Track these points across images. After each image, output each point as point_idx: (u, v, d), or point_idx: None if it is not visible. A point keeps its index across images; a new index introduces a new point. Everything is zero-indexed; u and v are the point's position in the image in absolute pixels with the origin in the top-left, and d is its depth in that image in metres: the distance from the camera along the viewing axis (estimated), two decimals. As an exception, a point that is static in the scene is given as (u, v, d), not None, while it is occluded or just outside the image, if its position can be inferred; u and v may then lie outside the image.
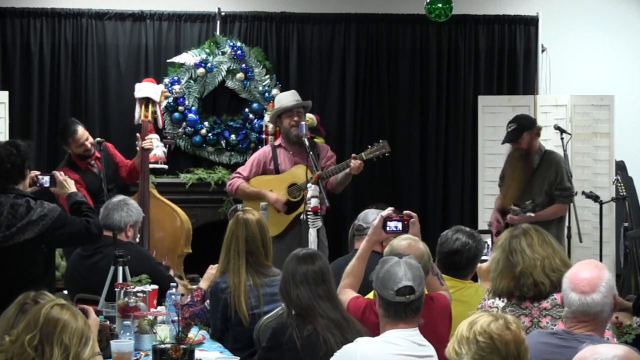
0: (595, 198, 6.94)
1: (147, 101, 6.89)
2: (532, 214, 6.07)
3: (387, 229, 4.22)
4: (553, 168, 6.38)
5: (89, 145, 6.49)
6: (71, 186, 4.91)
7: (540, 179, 6.36)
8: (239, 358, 3.96)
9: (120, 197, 5.27)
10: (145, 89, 6.94)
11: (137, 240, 5.42)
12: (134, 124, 7.38)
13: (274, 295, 4.39)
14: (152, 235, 6.61)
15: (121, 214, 5.12)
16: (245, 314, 4.36)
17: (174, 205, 6.87)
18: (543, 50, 8.23)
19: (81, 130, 6.49)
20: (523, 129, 6.31)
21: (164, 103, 7.78)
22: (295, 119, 6.43)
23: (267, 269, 4.56)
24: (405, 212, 4.26)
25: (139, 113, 6.88)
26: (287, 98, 6.59)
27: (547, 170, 6.37)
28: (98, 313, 3.98)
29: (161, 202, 6.81)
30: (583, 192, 6.94)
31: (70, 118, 6.92)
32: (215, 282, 4.50)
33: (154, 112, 6.92)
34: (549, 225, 6.30)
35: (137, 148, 6.71)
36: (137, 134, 6.75)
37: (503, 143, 6.38)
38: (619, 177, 7.61)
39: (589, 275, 3.17)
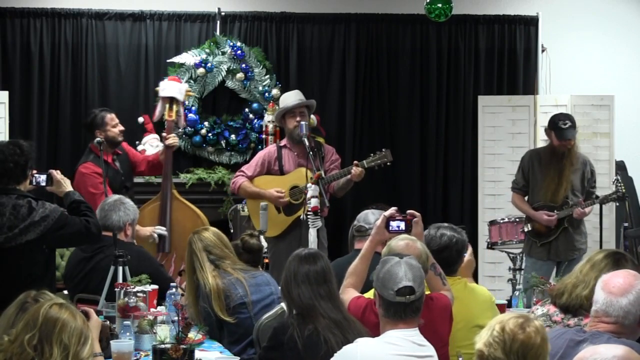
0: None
1: (171, 100, 6.82)
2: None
3: (390, 228, 4.22)
4: (588, 167, 6.52)
5: (122, 127, 6.45)
6: (68, 185, 4.89)
7: (578, 176, 6.42)
8: (239, 358, 3.97)
9: (115, 197, 5.23)
10: (170, 88, 6.85)
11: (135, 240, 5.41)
12: (133, 125, 7.42)
13: (259, 286, 4.57)
14: (173, 236, 6.54)
15: (119, 214, 5.10)
16: (223, 312, 4.43)
17: (194, 207, 6.77)
18: (543, 50, 8.23)
19: (113, 113, 6.49)
20: (575, 126, 6.41)
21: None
22: (298, 118, 6.41)
23: (243, 265, 4.67)
24: (408, 211, 4.25)
25: (160, 111, 6.79)
26: (290, 98, 6.58)
27: (584, 167, 6.48)
28: (98, 313, 3.98)
29: (182, 204, 6.72)
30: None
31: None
32: (200, 286, 4.53)
33: (178, 112, 6.89)
34: (582, 221, 6.48)
35: (164, 144, 6.65)
36: (163, 134, 6.71)
37: (563, 139, 6.34)
38: (619, 177, 7.61)
39: (623, 280, 3.19)
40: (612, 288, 3.16)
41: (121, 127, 6.44)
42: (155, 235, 6.33)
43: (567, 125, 6.33)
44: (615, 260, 3.72)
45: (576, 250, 6.40)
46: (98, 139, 6.27)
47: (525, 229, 6.55)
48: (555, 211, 6.40)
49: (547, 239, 6.44)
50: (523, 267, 6.78)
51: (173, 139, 6.61)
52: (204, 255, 4.58)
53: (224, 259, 4.60)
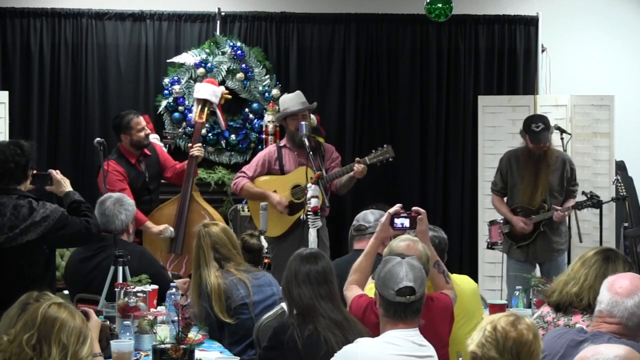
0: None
1: (204, 102, 6.80)
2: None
3: (395, 225, 4.22)
4: (567, 165, 6.43)
5: (149, 131, 6.47)
6: (68, 185, 4.88)
7: (556, 176, 6.38)
8: (239, 358, 3.97)
9: (112, 199, 5.13)
10: (204, 90, 6.84)
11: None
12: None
13: (261, 287, 4.57)
14: (187, 239, 6.50)
15: (121, 218, 5.04)
16: (223, 313, 4.42)
17: (213, 211, 6.71)
18: (543, 50, 8.23)
19: (141, 116, 6.49)
20: (549, 128, 6.34)
21: (164, 103, 7.79)
22: (300, 121, 6.41)
23: (247, 267, 4.67)
24: (413, 208, 4.26)
25: (195, 113, 6.82)
26: (292, 101, 6.55)
27: (563, 167, 6.40)
28: (98, 313, 3.98)
29: (201, 207, 6.64)
30: (583, 192, 6.94)
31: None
32: (202, 285, 4.53)
33: (210, 114, 6.86)
34: (563, 222, 6.41)
35: (189, 152, 6.62)
36: (189, 145, 6.67)
37: (537, 142, 6.30)
38: (619, 177, 7.61)
39: (629, 282, 3.18)
40: (619, 289, 3.16)
41: (147, 131, 6.46)
42: (171, 229, 6.34)
43: (539, 128, 6.27)
44: (606, 257, 3.72)
45: (555, 252, 6.35)
46: (98, 139, 6.28)
47: (504, 230, 6.53)
48: (532, 215, 6.35)
49: (523, 241, 6.40)
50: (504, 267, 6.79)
51: (198, 151, 6.58)
52: (210, 253, 4.57)
53: (229, 259, 4.60)
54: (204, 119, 6.76)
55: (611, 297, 3.15)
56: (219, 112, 6.86)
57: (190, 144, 6.70)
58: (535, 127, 6.26)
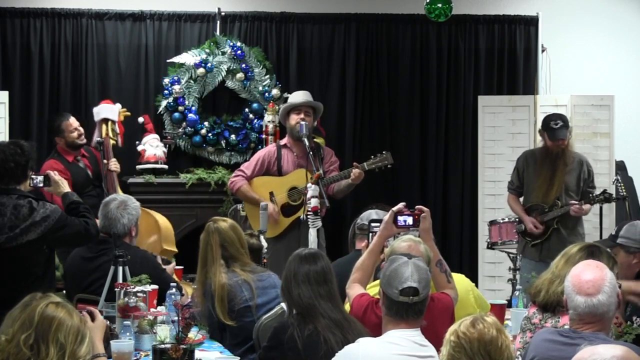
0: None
1: (106, 122, 6.94)
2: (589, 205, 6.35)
3: (398, 223, 4.23)
4: (585, 167, 6.44)
5: (82, 131, 6.62)
6: (66, 186, 4.89)
7: (573, 177, 6.38)
8: (239, 358, 3.97)
9: (117, 202, 5.05)
10: (103, 110, 7.00)
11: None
12: (134, 125, 7.43)
13: (265, 289, 4.56)
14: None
15: (123, 222, 4.97)
16: (225, 315, 4.42)
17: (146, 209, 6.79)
18: (543, 50, 8.23)
19: (73, 118, 6.70)
20: (567, 126, 6.36)
21: (164, 103, 7.79)
22: (302, 116, 6.42)
23: (253, 267, 4.66)
24: (417, 206, 4.27)
25: (98, 135, 6.89)
26: (298, 96, 6.60)
27: (580, 168, 6.41)
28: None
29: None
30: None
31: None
32: (208, 283, 4.52)
33: (114, 130, 6.95)
34: (579, 220, 6.41)
35: (106, 168, 6.65)
36: (104, 161, 6.65)
37: (555, 139, 6.31)
38: (619, 177, 7.61)
39: (592, 276, 3.15)
40: (587, 289, 3.13)
41: (81, 131, 6.63)
42: None
43: (558, 125, 6.30)
44: (590, 253, 3.69)
45: None
46: (98, 139, 6.37)
47: (518, 229, 6.54)
48: (547, 212, 6.36)
49: (537, 239, 6.42)
50: (519, 267, 6.79)
51: (115, 165, 6.70)
52: (218, 250, 4.56)
53: (236, 259, 4.58)
54: (111, 135, 6.89)
55: (585, 300, 3.12)
56: (117, 129, 6.97)
57: (105, 160, 6.68)
58: (554, 125, 6.30)
